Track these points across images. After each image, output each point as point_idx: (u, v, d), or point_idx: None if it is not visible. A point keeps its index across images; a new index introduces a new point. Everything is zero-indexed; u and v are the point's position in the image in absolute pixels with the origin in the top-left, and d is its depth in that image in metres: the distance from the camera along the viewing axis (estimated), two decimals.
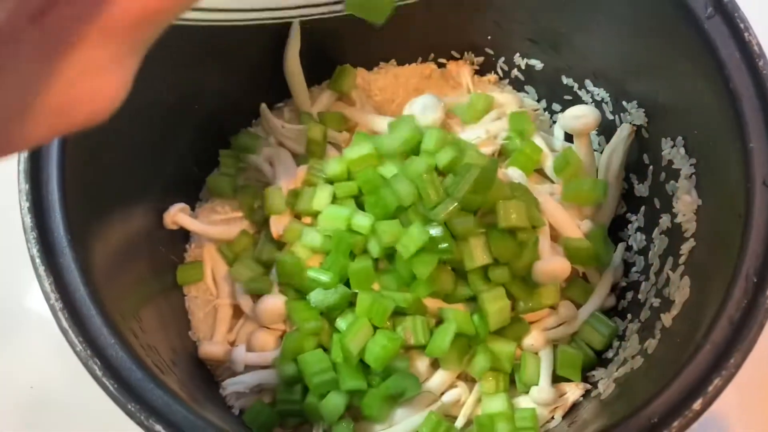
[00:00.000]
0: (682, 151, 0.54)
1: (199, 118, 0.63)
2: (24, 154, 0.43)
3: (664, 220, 0.57)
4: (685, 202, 0.53)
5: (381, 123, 0.65)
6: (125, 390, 0.40)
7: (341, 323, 0.57)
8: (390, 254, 0.58)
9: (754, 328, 0.41)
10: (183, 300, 0.63)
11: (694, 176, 0.53)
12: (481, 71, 0.71)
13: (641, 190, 0.61)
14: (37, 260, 0.42)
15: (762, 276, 0.42)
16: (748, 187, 0.45)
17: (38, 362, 0.69)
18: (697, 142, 0.52)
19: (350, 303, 0.58)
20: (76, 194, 0.46)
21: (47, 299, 0.41)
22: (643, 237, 0.60)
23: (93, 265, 0.45)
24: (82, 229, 0.45)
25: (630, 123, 0.60)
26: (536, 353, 0.59)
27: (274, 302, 0.59)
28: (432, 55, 0.71)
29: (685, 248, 0.52)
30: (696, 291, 0.49)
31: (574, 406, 0.57)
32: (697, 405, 0.40)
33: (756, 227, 0.44)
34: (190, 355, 0.59)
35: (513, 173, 0.62)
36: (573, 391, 0.57)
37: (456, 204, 0.56)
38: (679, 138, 0.54)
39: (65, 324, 0.40)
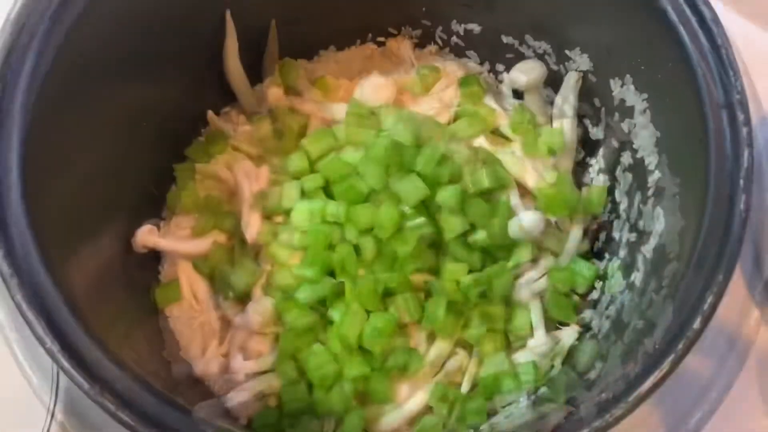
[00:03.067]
0: (632, 88, 0.55)
1: (150, 134, 0.61)
2: None
3: (625, 158, 0.59)
4: (644, 137, 0.55)
5: (336, 110, 0.65)
6: (141, 419, 0.39)
7: (334, 314, 0.57)
8: (378, 246, 0.58)
9: (735, 242, 0.43)
10: (167, 322, 0.62)
11: (648, 110, 0.54)
12: (421, 44, 0.71)
13: (596, 133, 0.62)
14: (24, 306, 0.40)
15: (732, 191, 0.44)
16: (703, 110, 0.47)
17: None
18: (646, 77, 0.54)
19: (339, 293, 0.58)
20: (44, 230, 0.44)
21: (42, 344, 0.39)
22: (606, 177, 0.62)
23: (76, 301, 0.43)
24: (60, 269, 0.44)
25: (576, 70, 0.62)
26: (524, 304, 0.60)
27: (263, 305, 0.58)
28: (370, 35, 0.71)
29: (652, 180, 0.54)
30: (671, 219, 0.51)
31: (572, 350, 0.59)
32: (696, 324, 0.42)
33: (716, 147, 0.46)
34: (186, 375, 0.58)
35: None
36: (569, 334, 0.59)
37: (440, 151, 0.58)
38: (627, 76, 0.56)
39: (66, 365, 0.39)
